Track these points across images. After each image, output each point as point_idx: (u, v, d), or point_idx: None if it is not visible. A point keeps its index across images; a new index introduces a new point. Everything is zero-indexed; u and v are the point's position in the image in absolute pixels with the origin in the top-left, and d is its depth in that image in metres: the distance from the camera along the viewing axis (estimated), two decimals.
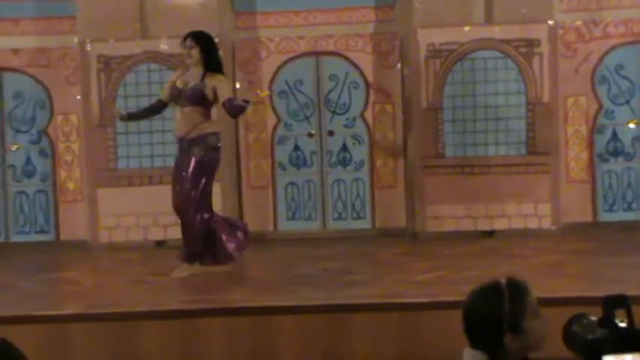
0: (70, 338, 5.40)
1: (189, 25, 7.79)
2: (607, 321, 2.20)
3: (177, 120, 6.26)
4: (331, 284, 6.13)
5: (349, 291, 5.84)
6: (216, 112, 6.40)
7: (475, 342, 2.54)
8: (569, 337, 2.28)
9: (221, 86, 6.16)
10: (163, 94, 6.45)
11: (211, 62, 6.19)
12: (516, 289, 2.55)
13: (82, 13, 7.85)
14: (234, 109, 6.10)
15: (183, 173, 6.18)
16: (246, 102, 6.08)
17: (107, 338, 5.40)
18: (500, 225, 7.72)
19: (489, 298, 2.54)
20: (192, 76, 6.21)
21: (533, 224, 7.66)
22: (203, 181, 6.19)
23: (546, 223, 7.71)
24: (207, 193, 6.22)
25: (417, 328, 5.36)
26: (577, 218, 7.87)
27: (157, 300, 5.92)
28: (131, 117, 6.62)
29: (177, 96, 6.19)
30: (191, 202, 6.17)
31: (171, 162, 6.76)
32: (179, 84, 6.24)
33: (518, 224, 7.70)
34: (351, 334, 5.37)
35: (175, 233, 6.73)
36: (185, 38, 6.28)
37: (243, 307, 5.53)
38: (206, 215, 6.23)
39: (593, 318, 2.26)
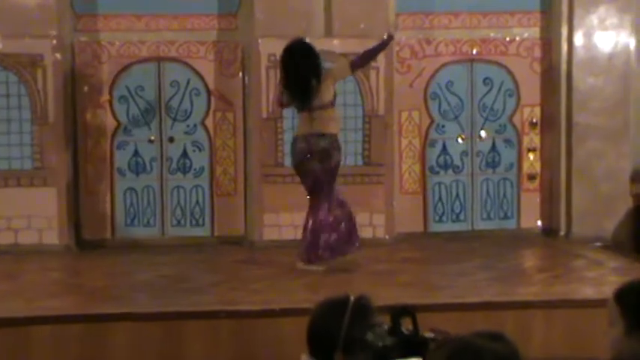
0: None
1: (26, 26, 7.69)
2: (395, 330, 2.38)
3: None
4: (167, 291, 6.14)
5: (185, 299, 5.87)
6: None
7: (311, 351, 2.57)
8: (366, 345, 2.41)
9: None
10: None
11: None
12: (361, 309, 2.52)
13: None
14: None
15: None
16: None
17: None
18: None
19: (331, 311, 2.54)
20: None
21: (368, 234, 7.87)
22: None
23: (380, 233, 7.97)
24: None
25: (249, 335, 5.45)
26: (410, 228, 8.18)
27: None
28: None
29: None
30: None
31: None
32: None
33: None
34: (184, 341, 5.41)
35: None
36: None
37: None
38: None
39: (385, 327, 2.42)
